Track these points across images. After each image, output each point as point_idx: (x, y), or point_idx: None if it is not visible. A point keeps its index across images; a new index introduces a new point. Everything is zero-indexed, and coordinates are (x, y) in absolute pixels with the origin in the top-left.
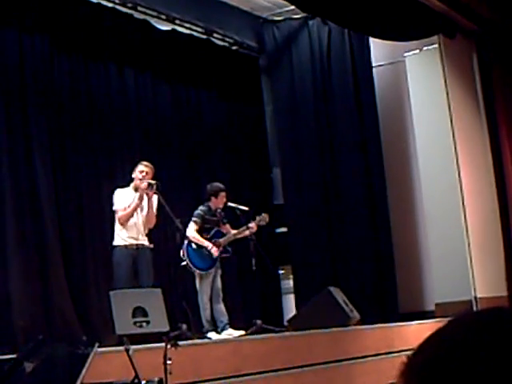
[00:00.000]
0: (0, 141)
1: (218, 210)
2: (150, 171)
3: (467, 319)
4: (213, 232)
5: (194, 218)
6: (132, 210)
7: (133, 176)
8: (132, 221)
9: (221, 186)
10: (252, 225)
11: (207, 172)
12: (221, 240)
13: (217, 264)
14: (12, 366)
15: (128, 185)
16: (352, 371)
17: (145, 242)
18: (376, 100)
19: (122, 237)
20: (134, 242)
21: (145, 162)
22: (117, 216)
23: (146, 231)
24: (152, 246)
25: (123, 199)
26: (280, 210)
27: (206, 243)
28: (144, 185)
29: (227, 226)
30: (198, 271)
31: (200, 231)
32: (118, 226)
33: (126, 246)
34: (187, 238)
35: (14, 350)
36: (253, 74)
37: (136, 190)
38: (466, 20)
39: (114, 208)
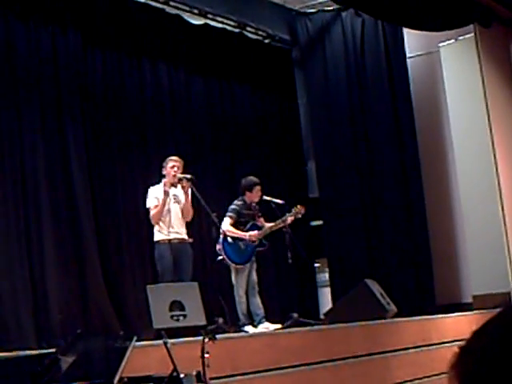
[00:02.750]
0: (35, 137)
1: (253, 204)
2: (180, 165)
3: None
4: (248, 226)
5: (228, 213)
6: (161, 208)
7: (164, 173)
8: (172, 216)
9: (255, 179)
10: (288, 217)
11: (242, 166)
12: (256, 233)
13: (252, 258)
14: (52, 360)
15: (160, 182)
16: (389, 364)
17: (185, 236)
18: (410, 91)
19: (163, 232)
20: (176, 236)
21: (174, 157)
22: (150, 214)
23: (185, 225)
24: (191, 240)
25: (155, 196)
26: (315, 203)
27: (243, 234)
28: (180, 179)
29: (262, 219)
30: (233, 265)
31: (235, 226)
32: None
33: (168, 241)
34: (222, 232)
35: (53, 344)
36: (286, 66)
37: (170, 185)
38: (502, 8)
39: (146, 206)
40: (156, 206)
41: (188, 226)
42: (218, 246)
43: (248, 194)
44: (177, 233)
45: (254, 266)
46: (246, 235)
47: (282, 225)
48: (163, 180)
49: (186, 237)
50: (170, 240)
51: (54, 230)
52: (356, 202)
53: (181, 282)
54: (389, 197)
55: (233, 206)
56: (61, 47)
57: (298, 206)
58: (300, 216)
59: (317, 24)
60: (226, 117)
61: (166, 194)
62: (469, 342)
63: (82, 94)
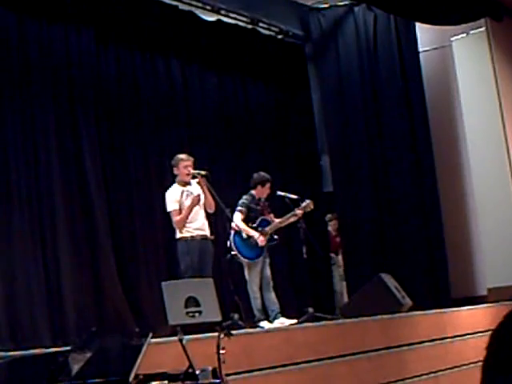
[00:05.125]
0: (49, 136)
1: (262, 200)
2: (191, 163)
3: None
4: (258, 221)
5: (238, 208)
6: (186, 215)
7: (175, 173)
8: (195, 213)
9: (267, 176)
10: (297, 211)
11: (255, 161)
12: (267, 228)
13: (264, 253)
14: (66, 358)
15: (173, 182)
16: (405, 357)
17: (208, 233)
18: (423, 85)
19: (186, 229)
20: (199, 232)
21: (184, 156)
22: (173, 219)
23: (207, 221)
24: (213, 237)
25: (174, 199)
26: (330, 197)
27: (253, 232)
28: (194, 175)
29: (272, 214)
30: (245, 261)
31: (245, 220)
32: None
33: (192, 238)
34: (233, 227)
35: (67, 342)
36: (299, 62)
37: (185, 184)
38: None
39: (168, 210)
40: (179, 211)
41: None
42: (229, 242)
43: (259, 188)
44: (200, 229)
45: (267, 261)
46: (256, 236)
47: (292, 219)
48: (177, 180)
49: (208, 234)
50: (193, 237)
51: (69, 229)
52: (370, 195)
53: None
54: (403, 191)
55: (242, 201)
56: (74, 44)
57: (307, 200)
58: (309, 210)
59: (329, 19)
60: (240, 112)
61: (192, 206)
62: (499, 325)
63: (95, 91)
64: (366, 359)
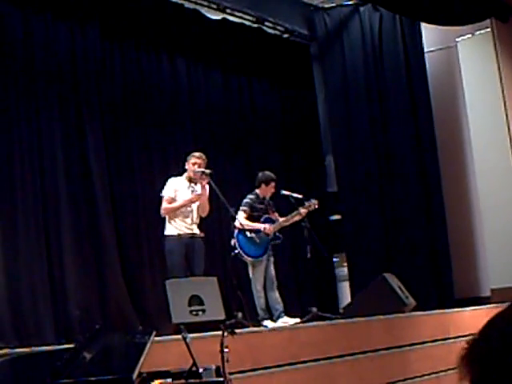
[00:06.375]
0: (54, 133)
1: (266, 199)
2: (202, 162)
3: None
4: (263, 219)
5: (242, 207)
6: (178, 207)
7: (186, 167)
8: (186, 210)
9: (272, 175)
10: (301, 210)
11: (260, 160)
12: (271, 226)
13: (268, 251)
14: (71, 356)
15: (181, 174)
16: (408, 357)
17: (196, 231)
18: (428, 85)
19: (174, 226)
20: (188, 231)
21: (197, 154)
22: (162, 204)
23: (198, 220)
24: (203, 234)
25: (174, 188)
26: (334, 197)
27: (259, 225)
28: (198, 173)
29: (276, 213)
30: (249, 259)
31: (249, 219)
32: (169, 216)
33: (179, 235)
34: (237, 226)
35: (71, 340)
36: (304, 61)
37: (190, 180)
38: None
39: (161, 194)
40: (170, 200)
41: (206, 220)
42: (233, 241)
43: (263, 187)
44: (188, 228)
45: (271, 259)
46: (261, 227)
47: (296, 218)
48: (185, 174)
49: (197, 231)
50: (180, 235)
51: (73, 226)
52: (374, 196)
53: (193, 276)
54: (407, 191)
55: (246, 200)
56: (79, 42)
57: (312, 199)
58: (313, 209)
59: (335, 19)
60: (245, 112)
61: (191, 201)
62: (479, 335)
63: (100, 88)
64: (370, 359)
